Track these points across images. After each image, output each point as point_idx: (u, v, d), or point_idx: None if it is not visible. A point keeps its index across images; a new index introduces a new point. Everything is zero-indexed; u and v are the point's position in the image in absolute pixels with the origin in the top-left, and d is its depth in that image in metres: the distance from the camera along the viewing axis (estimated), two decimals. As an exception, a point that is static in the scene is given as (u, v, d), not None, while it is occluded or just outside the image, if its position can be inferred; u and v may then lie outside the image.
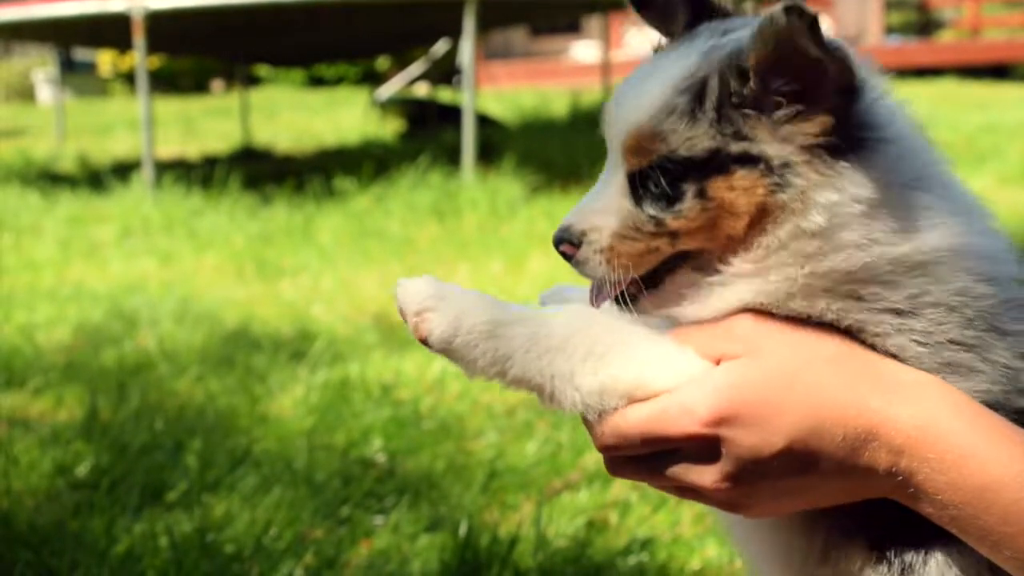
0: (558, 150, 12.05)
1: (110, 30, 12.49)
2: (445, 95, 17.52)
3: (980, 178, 10.42)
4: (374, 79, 25.82)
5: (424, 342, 1.40)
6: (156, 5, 10.71)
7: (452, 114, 13.95)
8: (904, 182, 1.35)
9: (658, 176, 1.37)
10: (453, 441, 4.45)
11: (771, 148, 1.33)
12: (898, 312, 1.33)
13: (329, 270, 7.95)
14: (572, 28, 29.43)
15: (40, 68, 28.08)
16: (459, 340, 1.38)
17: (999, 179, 10.78)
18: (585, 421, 1.42)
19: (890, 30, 29.96)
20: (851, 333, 1.35)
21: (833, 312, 1.34)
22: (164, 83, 26.65)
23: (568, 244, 1.42)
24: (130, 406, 4.82)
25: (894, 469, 1.28)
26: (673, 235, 1.38)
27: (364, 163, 11.22)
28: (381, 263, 8.20)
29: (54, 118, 17.07)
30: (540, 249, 8.29)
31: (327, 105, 23.23)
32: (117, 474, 4.04)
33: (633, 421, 1.34)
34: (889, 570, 1.37)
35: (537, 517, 3.59)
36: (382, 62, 26.68)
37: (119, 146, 16.52)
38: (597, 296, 1.46)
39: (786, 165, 1.32)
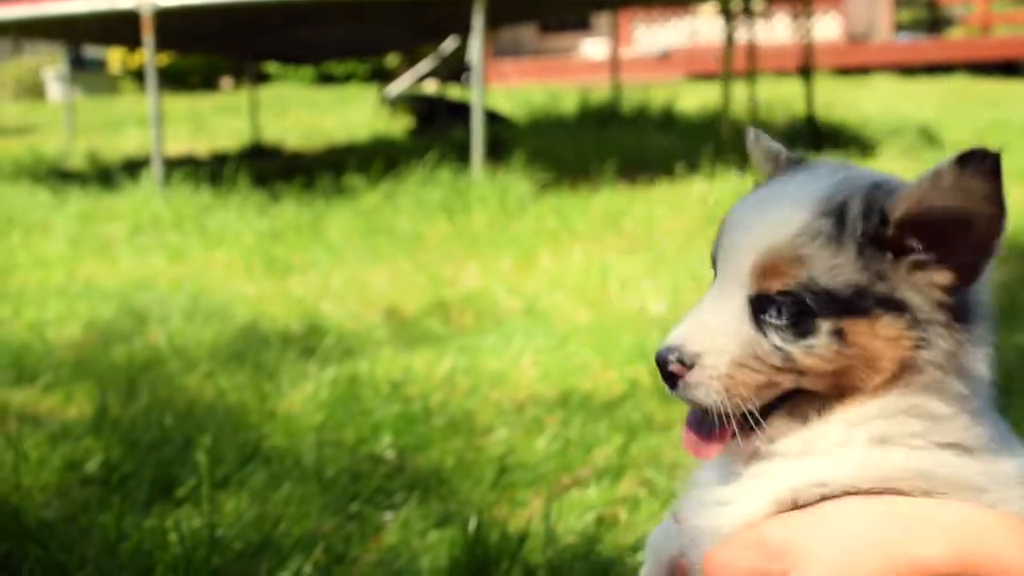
0: (567, 147, 12.05)
1: (119, 27, 12.50)
2: (454, 92, 17.51)
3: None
4: (383, 76, 25.83)
5: None
6: (165, 2, 10.71)
7: (461, 111, 13.95)
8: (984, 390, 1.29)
9: (792, 305, 1.26)
10: (463, 437, 4.45)
11: (912, 297, 1.25)
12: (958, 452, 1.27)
13: (339, 267, 7.95)
14: (581, 25, 29.41)
15: (50, 66, 28.13)
16: None
17: (1009, 176, 10.71)
18: None
19: (900, 27, 29.91)
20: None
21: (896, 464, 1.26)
22: (174, 80, 26.67)
23: (679, 364, 1.29)
24: (140, 402, 4.83)
25: None
26: (800, 373, 1.27)
27: (374, 160, 11.22)
28: (391, 260, 8.19)
29: (64, 115, 17.08)
30: (549, 246, 8.29)
31: (336, 102, 23.24)
32: (127, 470, 4.05)
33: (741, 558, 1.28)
34: None
35: (546, 513, 3.59)
36: (391, 59, 26.69)
37: (129, 143, 16.54)
38: (698, 428, 1.34)
39: (929, 321, 1.24)
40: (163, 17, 10.76)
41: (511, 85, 23.22)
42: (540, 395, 4.95)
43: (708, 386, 1.28)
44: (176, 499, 3.87)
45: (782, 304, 1.26)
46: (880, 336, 1.24)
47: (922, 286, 1.24)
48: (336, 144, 16.00)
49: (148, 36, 10.76)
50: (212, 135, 17.85)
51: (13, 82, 28.63)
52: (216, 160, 13.78)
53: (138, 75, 26.32)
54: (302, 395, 4.96)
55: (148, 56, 11.13)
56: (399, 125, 16.64)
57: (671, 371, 1.29)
